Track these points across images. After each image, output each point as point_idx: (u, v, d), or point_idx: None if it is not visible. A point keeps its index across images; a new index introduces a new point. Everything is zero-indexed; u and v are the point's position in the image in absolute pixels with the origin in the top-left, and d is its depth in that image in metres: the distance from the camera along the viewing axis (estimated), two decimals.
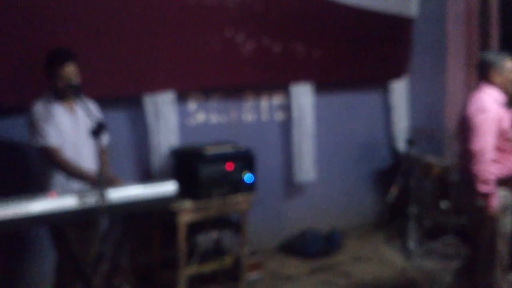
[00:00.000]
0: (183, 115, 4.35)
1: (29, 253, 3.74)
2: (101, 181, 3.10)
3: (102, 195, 2.81)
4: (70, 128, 3.23)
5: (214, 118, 4.57)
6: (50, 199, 2.73)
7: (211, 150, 3.90)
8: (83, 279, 3.03)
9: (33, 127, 3.18)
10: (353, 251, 4.98)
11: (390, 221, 5.50)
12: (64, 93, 3.20)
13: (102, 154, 3.43)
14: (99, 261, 3.08)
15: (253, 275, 4.26)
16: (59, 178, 3.21)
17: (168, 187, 3.17)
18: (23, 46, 3.45)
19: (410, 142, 4.83)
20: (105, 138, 3.46)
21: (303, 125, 4.92)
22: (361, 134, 5.55)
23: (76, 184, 3.21)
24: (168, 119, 4.13)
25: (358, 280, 4.33)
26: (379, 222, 5.64)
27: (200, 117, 4.49)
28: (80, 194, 2.79)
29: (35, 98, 3.21)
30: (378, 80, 5.61)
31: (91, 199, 2.81)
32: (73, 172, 3.18)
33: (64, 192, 2.97)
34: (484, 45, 5.70)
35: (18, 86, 3.47)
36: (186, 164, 3.91)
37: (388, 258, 4.80)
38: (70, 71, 3.16)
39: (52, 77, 3.17)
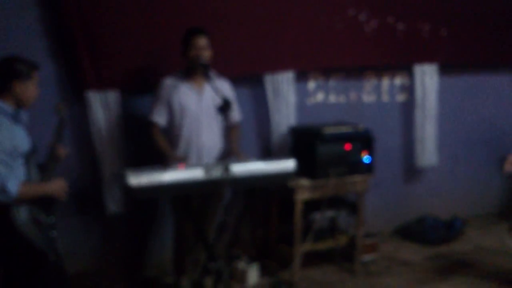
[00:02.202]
0: (303, 94, 4.39)
1: (153, 221, 4.04)
2: (226, 155, 3.26)
3: (226, 169, 2.95)
4: (193, 104, 3.42)
5: (333, 98, 4.55)
6: (180, 170, 2.93)
7: (329, 130, 3.90)
8: (205, 246, 3.22)
9: (153, 100, 3.46)
10: (475, 241, 4.76)
11: None
12: (193, 71, 3.40)
13: (233, 129, 3.59)
14: (221, 231, 3.23)
15: (367, 257, 4.24)
16: (179, 152, 3.43)
17: (287, 165, 3.26)
18: (160, 28, 3.68)
19: None
20: (236, 115, 3.61)
21: (426, 107, 4.74)
22: (489, 118, 5.24)
23: (194, 158, 3.41)
24: (287, 98, 4.19)
25: (478, 270, 4.14)
26: (504, 212, 5.35)
27: (319, 96, 4.50)
28: (207, 166, 2.95)
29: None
30: (510, 61, 5.23)
31: (217, 172, 2.97)
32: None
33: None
34: None
35: (157, 66, 3.72)
36: (305, 143, 3.94)
37: None
38: (202, 43, 3.35)
39: (185, 50, 3.37)
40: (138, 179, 2.82)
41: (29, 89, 2.67)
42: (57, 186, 2.73)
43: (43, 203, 2.69)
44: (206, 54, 3.36)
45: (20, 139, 2.65)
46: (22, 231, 2.58)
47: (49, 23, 3.51)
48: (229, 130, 3.58)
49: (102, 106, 3.63)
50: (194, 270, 3.62)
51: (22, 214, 2.58)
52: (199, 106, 3.43)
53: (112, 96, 3.65)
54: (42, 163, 2.81)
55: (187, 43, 3.37)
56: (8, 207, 2.54)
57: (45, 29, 3.51)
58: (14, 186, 2.51)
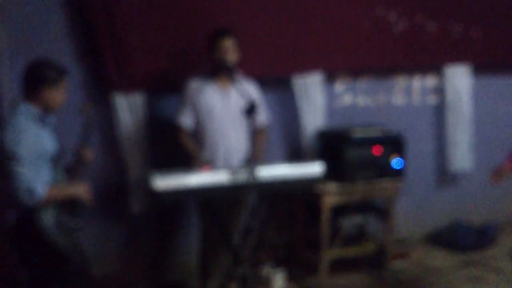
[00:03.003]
0: (330, 96, 4.31)
1: (177, 223, 4.02)
2: (251, 159, 3.21)
3: (252, 172, 2.90)
4: (219, 107, 3.38)
5: (362, 100, 4.47)
6: (205, 173, 2.88)
7: (358, 133, 3.84)
8: (230, 251, 3.17)
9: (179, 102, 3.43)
10: (508, 247, 4.59)
11: None
12: (218, 73, 3.35)
13: (259, 134, 3.53)
14: (246, 235, 3.18)
15: (397, 264, 4.15)
16: (206, 153, 3.39)
17: (315, 168, 3.19)
18: (186, 29, 3.66)
19: None
20: (263, 118, 3.56)
21: (458, 110, 4.62)
22: None
23: (220, 161, 3.36)
24: (315, 101, 4.13)
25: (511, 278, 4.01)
26: None
27: (348, 98, 4.42)
28: (232, 170, 2.90)
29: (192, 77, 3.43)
30: None
31: (242, 176, 2.91)
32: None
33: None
34: None
35: (182, 67, 3.69)
36: (333, 146, 3.89)
37: None
38: (228, 45, 3.29)
39: (211, 52, 3.33)
40: (163, 182, 2.79)
41: (58, 95, 2.68)
42: (82, 189, 2.72)
43: (69, 206, 2.69)
44: (231, 57, 3.30)
45: (47, 142, 2.66)
46: (48, 234, 2.59)
47: (76, 25, 3.53)
48: (255, 134, 3.52)
49: (127, 108, 3.62)
50: (220, 275, 3.58)
51: (48, 217, 2.59)
52: (225, 107, 3.38)
53: (138, 98, 3.64)
54: (68, 165, 2.81)
55: (212, 45, 3.32)
56: (34, 210, 2.55)
57: (72, 31, 3.54)
58: (40, 188, 2.51)
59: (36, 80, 2.62)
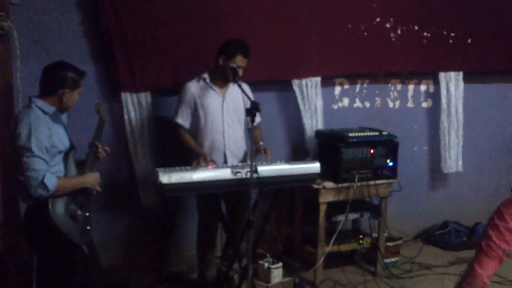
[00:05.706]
0: (328, 98, 4.43)
1: (181, 218, 4.16)
2: (251, 156, 3.35)
3: (253, 169, 3.05)
4: (216, 107, 3.52)
5: (359, 103, 4.60)
6: (209, 169, 3.04)
7: (354, 134, 3.96)
8: (232, 244, 3.30)
9: (177, 103, 3.56)
10: None
11: None
12: (218, 75, 3.49)
13: (255, 129, 3.68)
14: (247, 229, 3.32)
15: (390, 260, 4.28)
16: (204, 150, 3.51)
17: (312, 167, 3.35)
18: (190, 35, 3.81)
19: None
20: (257, 118, 3.69)
21: (451, 114, 4.76)
22: None
23: (216, 157, 3.48)
24: (313, 102, 4.24)
25: (501, 277, 4.14)
26: None
27: (345, 101, 4.55)
28: (235, 167, 3.06)
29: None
30: None
31: (244, 172, 3.07)
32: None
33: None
34: None
35: (185, 70, 3.83)
36: (330, 147, 4.00)
37: None
38: (244, 64, 3.44)
39: (222, 59, 3.44)
40: (169, 177, 2.94)
41: (74, 96, 2.76)
42: (92, 179, 2.82)
43: (79, 198, 2.77)
44: (240, 73, 3.43)
45: (59, 137, 2.73)
46: (57, 224, 2.63)
47: (88, 27, 3.62)
48: (250, 132, 3.66)
49: (135, 107, 3.76)
50: (216, 266, 3.73)
51: (58, 208, 2.65)
52: (222, 108, 3.52)
53: (144, 97, 3.78)
54: (80, 160, 2.89)
55: (229, 55, 3.40)
56: (43, 201, 2.61)
57: (84, 32, 3.63)
58: (50, 181, 2.59)
59: (57, 82, 2.70)
